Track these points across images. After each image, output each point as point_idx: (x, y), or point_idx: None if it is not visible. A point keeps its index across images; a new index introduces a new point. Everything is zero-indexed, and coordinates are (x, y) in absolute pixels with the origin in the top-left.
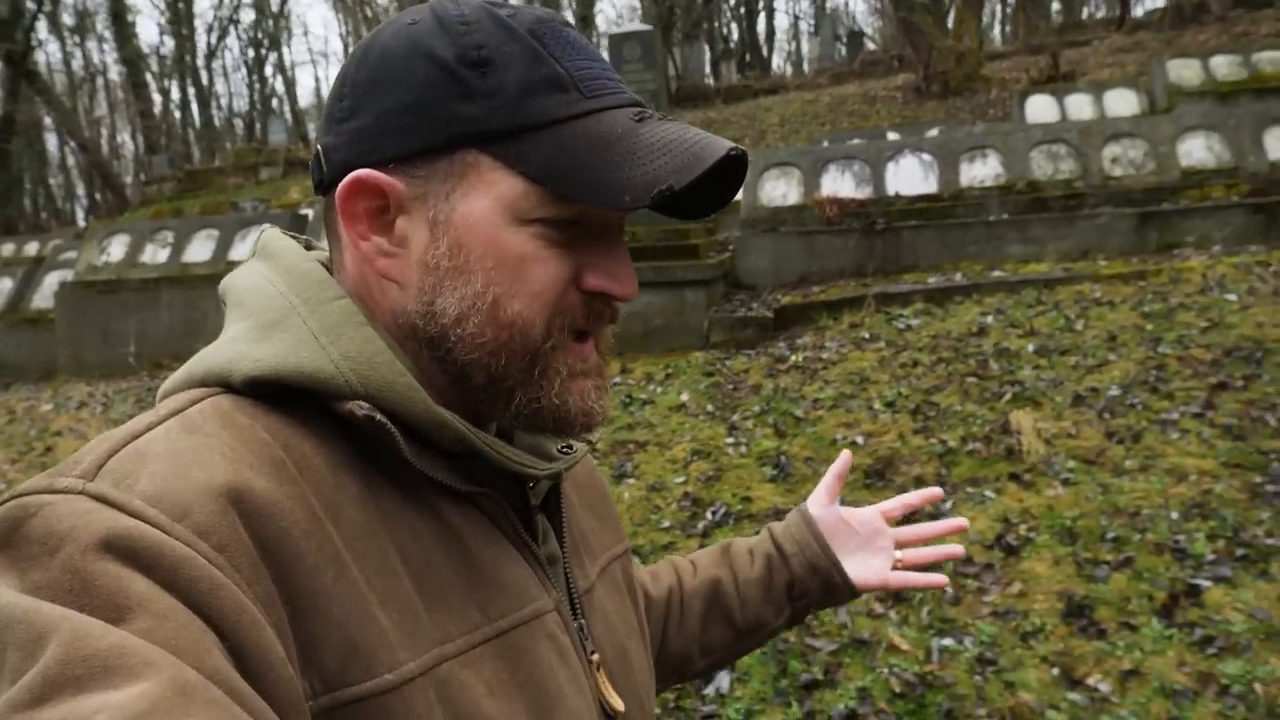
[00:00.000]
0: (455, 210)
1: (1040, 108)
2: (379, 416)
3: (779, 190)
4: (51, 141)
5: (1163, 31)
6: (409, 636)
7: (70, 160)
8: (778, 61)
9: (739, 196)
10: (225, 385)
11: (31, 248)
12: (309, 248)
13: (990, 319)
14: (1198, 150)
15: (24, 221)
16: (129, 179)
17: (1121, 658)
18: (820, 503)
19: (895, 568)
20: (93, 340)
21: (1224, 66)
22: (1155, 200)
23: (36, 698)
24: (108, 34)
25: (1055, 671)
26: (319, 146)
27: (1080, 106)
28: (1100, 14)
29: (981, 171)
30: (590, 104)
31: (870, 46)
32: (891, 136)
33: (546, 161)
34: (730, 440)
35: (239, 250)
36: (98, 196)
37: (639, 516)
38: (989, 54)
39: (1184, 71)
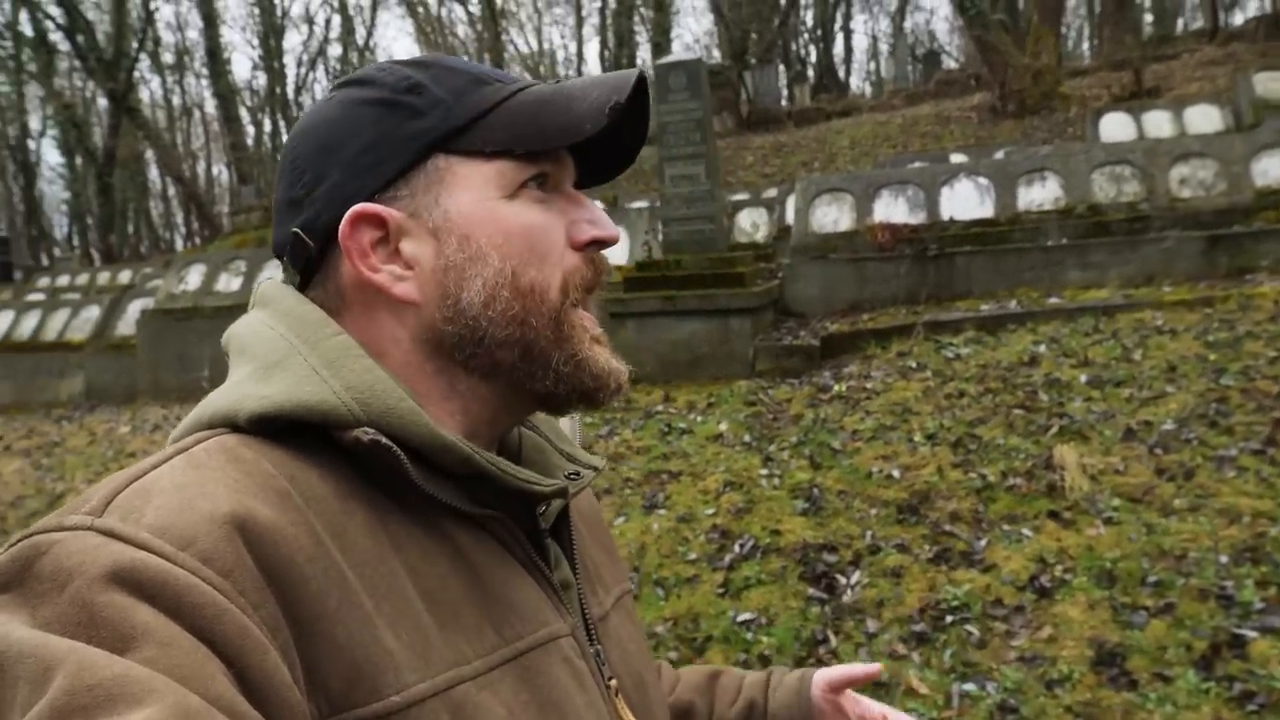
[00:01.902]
0: (449, 210)
1: (1115, 126)
2: (384, 440)
3: (830, 216)
4: (153, 173)
5: (1257, 43)
6: (420, 659)
7: (170, 190)
8: (856, 82)
9: (790, 223)
10: (232, 426)
11: (125, 276)
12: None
13: (1043, 348)
14: (1275, 169)
15: (127, 248)
16: (225, 208)
17: (1152, 711)
18: (824, 685)
19: None
20: (170, 365)
21: None
22: (1226, 223)
23: None
24: (205, 70)
25: None
26: (294, 231)
27: (1159, 124)
28: (1197, 25)
29: (1040, 195)
30: (513, 86)
31: (951, 66)
32: (956, 159)
33: (508, 134)
34: (764, 472)
35: None
36: (195, 225)
37: (666, 548)
38: (1070, 70)
39: (1272, 84)
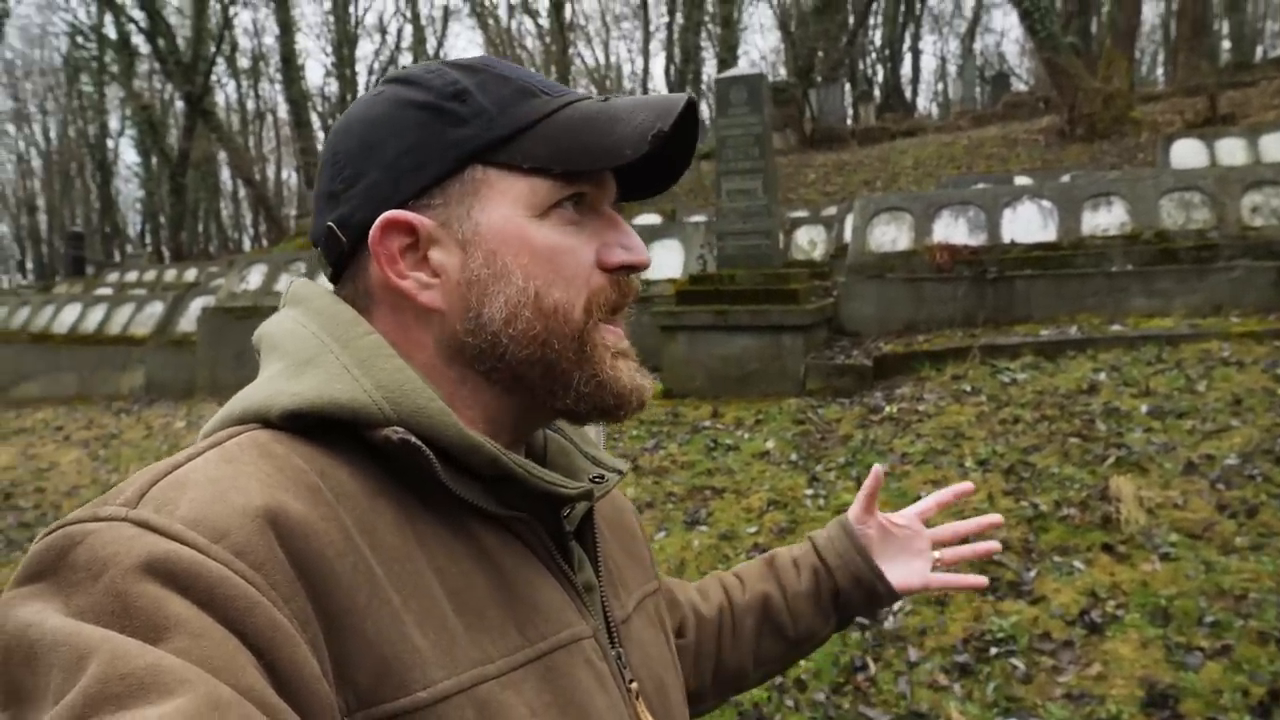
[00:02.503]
0: (479, 224)
1: (1187, 152)
2: (414, 440)
3: (888, 236)
4: (224, 174)
5: None
6: (446, 656)
7: (240, 192)
8: (923, 103)
9: (848, 241)
10: (264, 421)
11: (190, 274)
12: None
13: (1103, 376)
14: None
15: (196, 247)
16: (292, 211)
17: None
18: (859, 516)
19: (935, 568)
20: (228, 362)
21: None
22: None
23: (77, 716)
24: (279, 76)
25: None
26: (329, 225)
27: (1232, 151)
28: (1277, 52)
29: (1105, 219)
30: (560, 100)
31: (1020, 88)
32: (1020, 181)
33: (548, 151)
34: (809, 492)
35: None
36: (262, 227)
37: (706, 565)
38: (1143, 95)
39: None
